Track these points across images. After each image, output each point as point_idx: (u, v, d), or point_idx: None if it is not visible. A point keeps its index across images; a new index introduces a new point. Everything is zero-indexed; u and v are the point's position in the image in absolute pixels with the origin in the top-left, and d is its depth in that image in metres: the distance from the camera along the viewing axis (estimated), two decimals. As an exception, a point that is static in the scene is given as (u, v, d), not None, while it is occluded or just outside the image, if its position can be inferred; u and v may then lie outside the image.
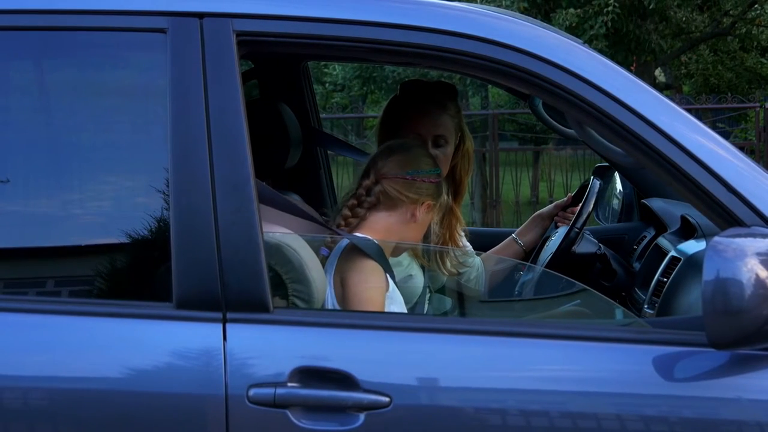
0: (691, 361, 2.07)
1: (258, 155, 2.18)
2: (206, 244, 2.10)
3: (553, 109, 3.78)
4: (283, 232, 2.39)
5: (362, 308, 2.51)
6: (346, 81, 21.74)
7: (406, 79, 3.29)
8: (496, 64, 2.16)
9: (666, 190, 3.73)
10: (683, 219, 3.37)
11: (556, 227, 3.63)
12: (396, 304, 2.62)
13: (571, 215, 3.55)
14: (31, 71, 2.37)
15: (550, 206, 3.72)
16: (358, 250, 2.58)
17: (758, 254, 1.94)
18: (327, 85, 22.50)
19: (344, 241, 2.62)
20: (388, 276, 2.59)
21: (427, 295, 2.99)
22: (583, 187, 3.61)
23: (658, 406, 2.04)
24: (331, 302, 2.57)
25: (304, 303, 2.33)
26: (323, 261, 2.59)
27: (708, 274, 1.94)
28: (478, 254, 3.36)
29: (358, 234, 2.64)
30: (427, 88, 3.26)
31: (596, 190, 3.47)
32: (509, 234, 3.66)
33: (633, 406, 2.05)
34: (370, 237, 2.62)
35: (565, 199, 3.72)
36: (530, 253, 3.59)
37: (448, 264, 3.07)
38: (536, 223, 3.64)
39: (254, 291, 2.10)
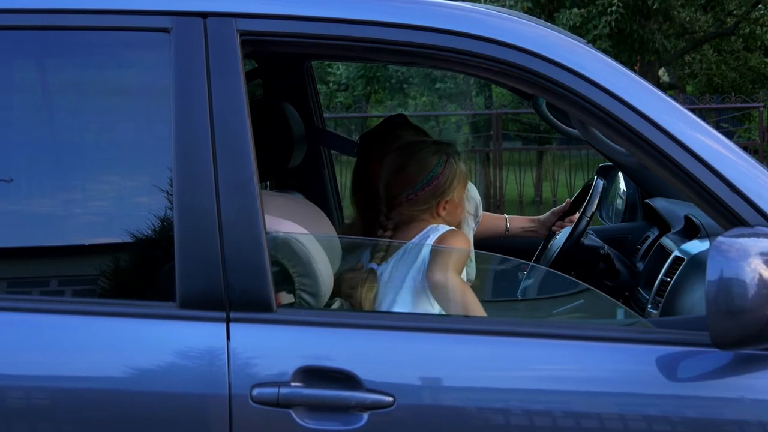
0: (694, 361, 2.07)
1: (261, 154, 2.18)
2: (210, 244, 2.10)
3: (556, 109, 3.78)
4: (290, 227, 2.39)
5: (455, 291, 2.59)
6: (350, 80, 21.76)
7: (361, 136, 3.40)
8: (500, 64, 2.16)
9: (669, 189, 3.73)
10: (687, 219, 3.37)
11: (555, 235, 3.65)
12: None
13: (569, 224, 3.56)
14: (34, 71, 2.37)
15: (548, 214, 3.75)
16: (451, 240, 2.72)
17: (761, 254, 1.93)
18: (331, 84, 22.52)
19: (434, 231, 2.75)
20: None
21: None
22: (587, 187, 3.61)
23: (661, 405, 2.04)
24: (421, 282, 2.66)
25: (312, 297, 2.33)
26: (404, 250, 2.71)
27: (711, 274, 1.94)
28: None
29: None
30: (378, 132, 3.30)
31: (600, 190, 3.48)
32: None
33: (636, 406, 2.04)
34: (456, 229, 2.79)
35: (563, 204, 3.73)
36: (526, 251, 3.62)
37: None
38: (532, 225, 3.71)
39: (258, 290, 2.10)
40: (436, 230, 2.76)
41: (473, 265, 3.37)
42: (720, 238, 1.97)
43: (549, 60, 2.13)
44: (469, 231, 3.43)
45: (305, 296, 2.33)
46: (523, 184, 12.43)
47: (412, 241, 2.75)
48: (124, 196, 2.30)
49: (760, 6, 17.13)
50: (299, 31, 2.18)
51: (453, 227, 2.79)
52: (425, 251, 2.71)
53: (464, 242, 2.78)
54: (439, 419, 2.05)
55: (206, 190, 2.11)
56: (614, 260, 3.61)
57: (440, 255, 2.68)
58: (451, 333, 2.15)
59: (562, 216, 3.69)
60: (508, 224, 3.66)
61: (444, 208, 2.80)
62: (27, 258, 2.28)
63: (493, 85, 14.77)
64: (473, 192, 3.53)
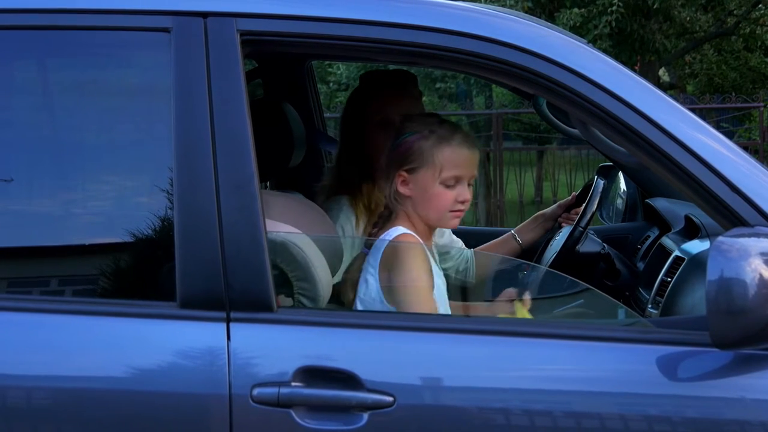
0: (694, 360, 2.07)
1: (262, 154, 2.18)
2: (210, 244, 2.10)
3: (557, 109, 3.78)
4: (288, 231, 2.40)
5: (414, 297, 2.49)
6: (350, 80, 21.73)
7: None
8: (501, 64, 2.16)
9: (670, 189, 3.73)
10: (687, 219, 3.37)
11: (560, 228, 3.63)
12: (438, 293, 2.59)
13: (575, 216, 3.55)
14: (35, 71, 2.37)
15: (554, 206, 3.73)
16: (400, 246, 2.52)
17: (762, 254, 1.93)
18: (331, 84, 22.50)
19: (385, 238, 2.55)
20: (432, 264, 2.56)
21: None
22: (587, 187, 3.61)
23: (661, 405, 2.04)
24: (378, 297, 2.52)
25: (310, 301, 2.33)
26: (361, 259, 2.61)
27: (712, 273, 1.94)
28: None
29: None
30: (389, 76, 3.31)
31: (600, 189, 3.47)
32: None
33: (636, 406, 2.05)
34: (409, 232, 2.56)
35: (569, 198, 3.72)
36: (528, 252, 3.60)
37: None
38: (537, 222, 3.65)
39: (258, 290, 2.10)
40: (391, 233, 2.57)
41: (472, 263, 3.37)
42: (720, 238, 1.97)
43: (550, 60, 2.13)
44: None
45: (304, 300, 2.33)
46: (523, 183, 12.42)
47: (376, 241, 2.59)
48: (124, 196, 2.30)
49: (760, 6, 17.13)
50: (299, 31, 2.18)
51: (407, 231, 2.55)
52: (370, 274, 2.55)
53: (407, 254, 2.52)
54: (440, 419, 2.05)
55: (206, 189, 2.11)
56: (614, 260, 3.60)
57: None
58: (451, 333, 2.15)
59: (568, 209, 3.68)
60: (518, 239, 3.61)
61: (404, 183, 2.56)
62: (27, 258, 2.28)
63: (494, 85, 14.77)
64: None
